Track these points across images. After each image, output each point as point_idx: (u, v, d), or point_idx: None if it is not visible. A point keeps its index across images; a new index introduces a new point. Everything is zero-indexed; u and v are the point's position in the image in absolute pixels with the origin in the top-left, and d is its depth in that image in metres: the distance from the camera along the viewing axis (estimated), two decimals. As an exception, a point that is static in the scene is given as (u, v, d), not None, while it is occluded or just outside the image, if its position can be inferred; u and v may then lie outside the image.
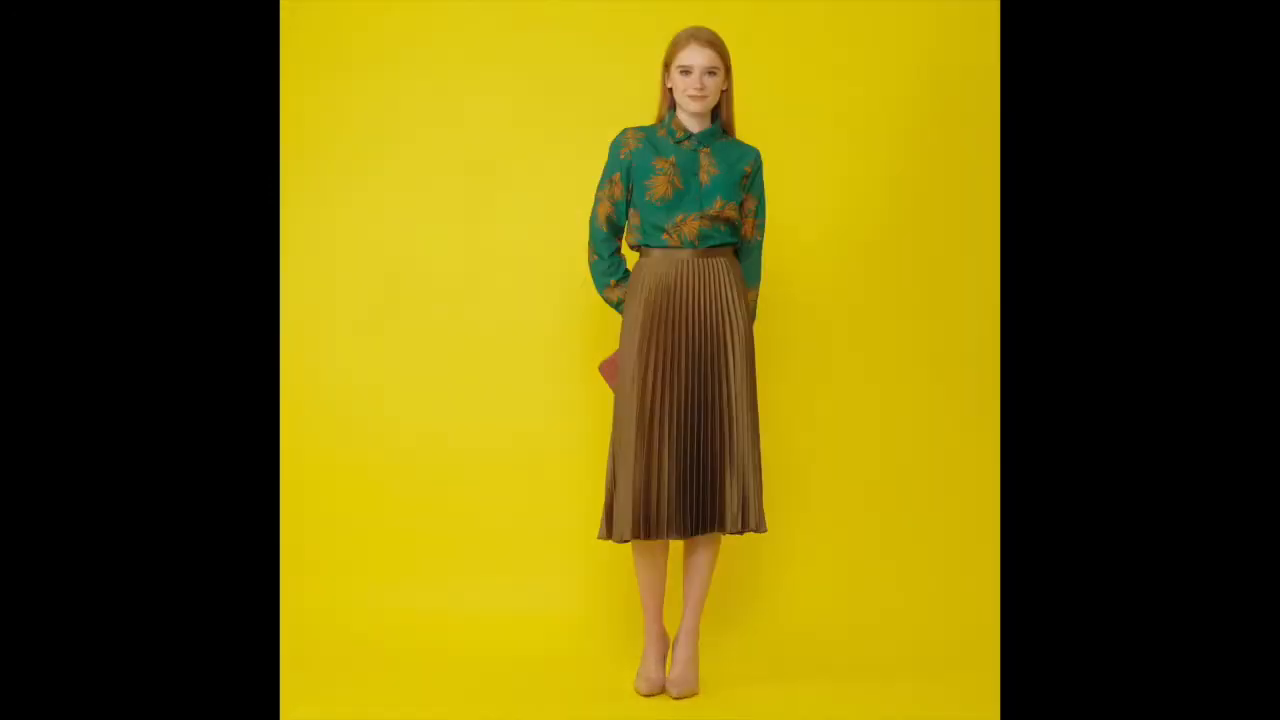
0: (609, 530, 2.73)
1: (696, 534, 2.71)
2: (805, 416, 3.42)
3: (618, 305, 2.84)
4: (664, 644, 2.83)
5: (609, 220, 2.82)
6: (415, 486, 3.36)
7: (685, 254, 2.74)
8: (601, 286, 2.86)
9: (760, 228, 2.86)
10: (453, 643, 3.10)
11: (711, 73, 2.70)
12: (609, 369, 2.83)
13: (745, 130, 2.86)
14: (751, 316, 2.84)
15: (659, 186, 2.74)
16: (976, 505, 3.38)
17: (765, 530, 2.78)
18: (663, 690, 2.78)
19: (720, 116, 2.79)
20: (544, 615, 3.24)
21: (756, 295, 2.89)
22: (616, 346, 2.84)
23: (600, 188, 2.82)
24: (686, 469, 2.69)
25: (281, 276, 3.20)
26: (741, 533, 2.75)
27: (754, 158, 2.80)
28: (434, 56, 3.41)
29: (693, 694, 2.76)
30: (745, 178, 2.77)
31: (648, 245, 2.77)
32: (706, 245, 2.75)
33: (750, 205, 2.81)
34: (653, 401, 2.69)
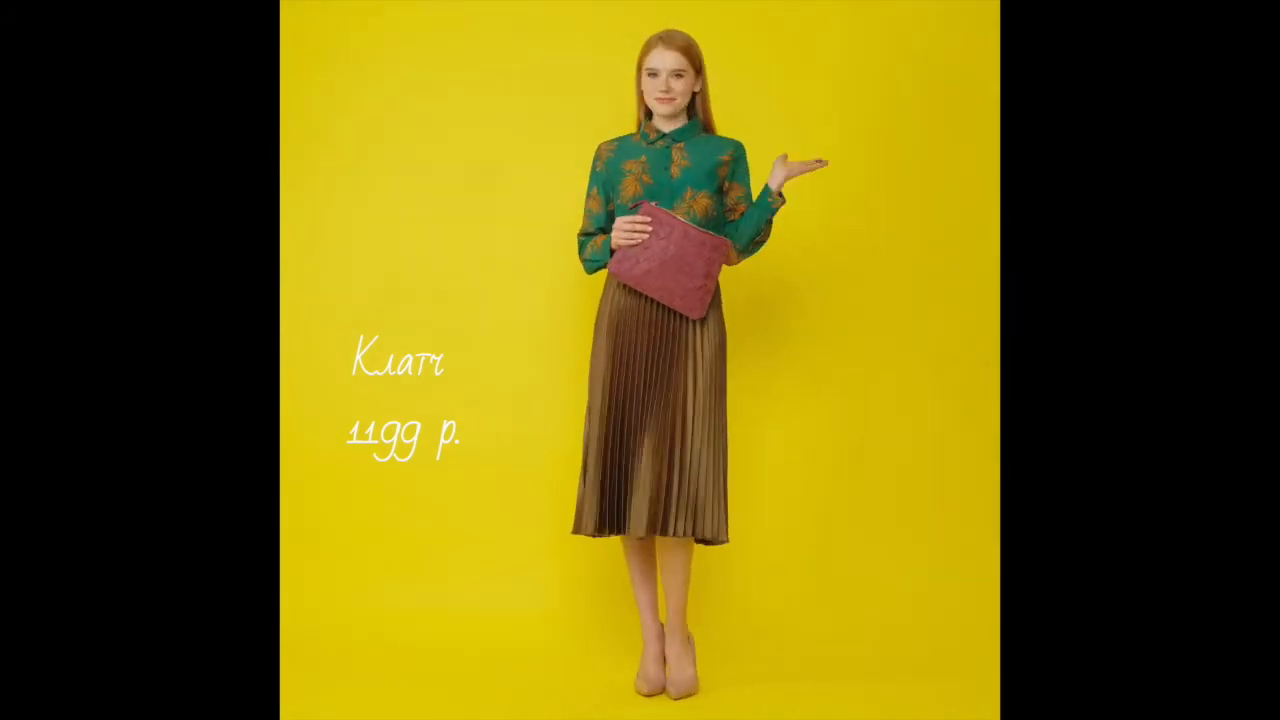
0: (577, 525, 2.75)
1: (655, 534, 2.68)
2: (805, 416, 3.42)
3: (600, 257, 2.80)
4: (663, 642, 2.83)
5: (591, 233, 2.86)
6: (415, 486, 3.36)
7: None
8: (596, 254, 2.81)
9: None
10: (453, 643, 3.09)
11: (678, 75, 2.72)
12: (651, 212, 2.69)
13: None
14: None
15: (629, 187, 2.77)
16: (976, 505, 3.38)
17: (726, 540, 2.73)
18: (663, 690, 2.78)
19: (697, 116, 2.79)
20: (545, 615, 3.24)
21: (739, 254, 2.81)
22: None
23: (585, 203, 2.87)
24: (633, 470, 2.69)
25: (281, 276, 3.19)
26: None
27: (733, 147, 2.80)
28: (434, 56, 3.41)
29: (693, 694, 2.76)
30: (723, 166, 2.77)
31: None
32: None
33: (737, 193, 2.81)
34: (613, 402, 2.71)
